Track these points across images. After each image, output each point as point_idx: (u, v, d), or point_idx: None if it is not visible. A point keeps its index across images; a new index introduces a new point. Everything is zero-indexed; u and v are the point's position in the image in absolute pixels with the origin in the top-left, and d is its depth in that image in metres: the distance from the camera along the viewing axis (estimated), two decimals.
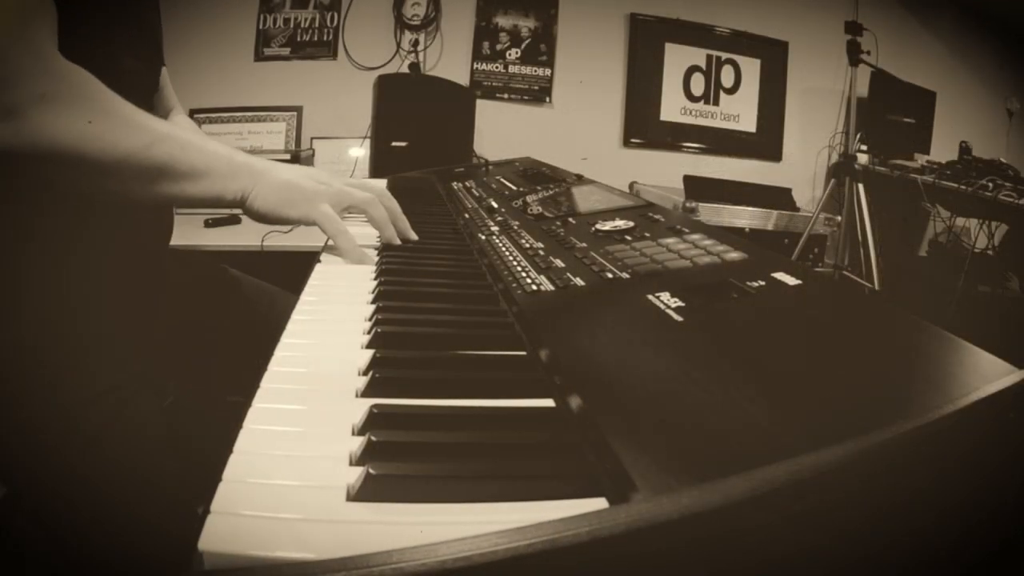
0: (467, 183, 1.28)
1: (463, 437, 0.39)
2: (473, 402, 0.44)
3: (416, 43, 3.11)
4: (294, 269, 0.78)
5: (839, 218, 2.89)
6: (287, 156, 2.83)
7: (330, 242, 0.76)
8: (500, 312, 0.61)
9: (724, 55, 3.48)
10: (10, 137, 0.55)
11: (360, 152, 2.90)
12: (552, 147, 2.65)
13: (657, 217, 0.83)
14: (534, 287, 0.62)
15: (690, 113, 3.47)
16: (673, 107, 3.45)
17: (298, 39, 3.10)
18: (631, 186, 3.13)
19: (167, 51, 0.90)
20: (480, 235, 0.86)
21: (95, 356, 0.67)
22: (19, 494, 0.58)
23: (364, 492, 0.33)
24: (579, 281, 0.62)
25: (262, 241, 2.00)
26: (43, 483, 0.60)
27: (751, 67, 3.51)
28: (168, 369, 0.79)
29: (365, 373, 0.47)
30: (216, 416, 0.72)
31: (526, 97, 3.27)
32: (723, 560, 0.28)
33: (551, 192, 1.07)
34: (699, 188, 2.87)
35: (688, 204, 2.70)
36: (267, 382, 0.45)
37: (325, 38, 3.12)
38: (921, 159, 3.07)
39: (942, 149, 3.16)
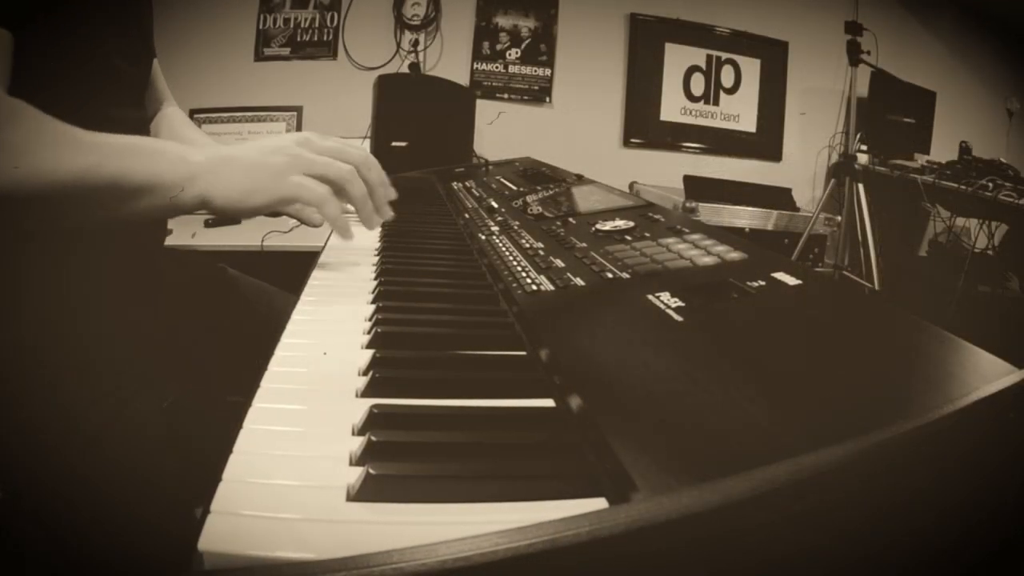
0: (467, 183, 1.28)
1: (463, 437, 0.39)
2: (473, 402, 0.44)
3: (416, 43, 3.11)
4: (294, 269, 0.78)
5: (839, 218, 2.89)
6: None
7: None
8: (500, 312, 0.61)
9: (724, 55, 3.48)
10: None
11: None
12: (552, 147, 2.65)
13: (657, 217, 0.83)
14: (534, 287, 0.62)
15: (690, 113, 3.47)
16: (673, 107, 3.45)
17: (298, 39, 3.10)
18: (631, 186, 3.13)
19: (167, 51, 0.90)
20: (480, 235, 0.86)
21: (95, 356, 0.67)
22: (19, 494, 0.58)
23: (364, 492, 0.33)
24: (579, 281, 0.62)
25: (262, 241, 2.00)
26: (43, 483, 0.60)
27: (751, 67, 3.51)
28: (168, 369, 0.79)
29: (365, 373, 0.47)
30: (216, 416, 0.72)
31: (526, 97, 3.27)
32: (723, 560, 0.28)
33: (551, 192, 1.07)
34: (699, 188, 2.87)
35: (688, 204, 2.70)
36: (267, 382, 0.45)
37: (325, 38, 3.12)
38: (921, 159, 3.07)
39: (942, 149, 3.16)
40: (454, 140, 2.66)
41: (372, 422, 0.39)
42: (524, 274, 0.67)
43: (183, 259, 0.94)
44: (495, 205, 1.03)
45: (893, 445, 0.31)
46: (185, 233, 1.97)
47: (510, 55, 3.24)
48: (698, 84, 3.46)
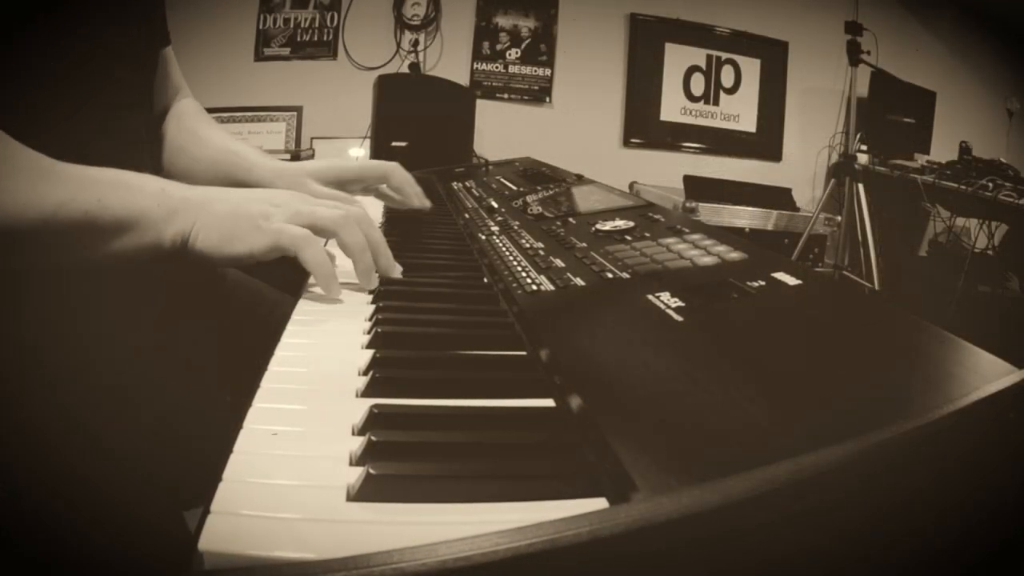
0: (467, 183, 1.28)
1: (463, 437, 0.39)
2: (473, 402, 0.44)
3: (416, 43, 3.11)
4: (294, 270, 0.78)
5: (839, 218, 2.90)
6: (287, 156, 2.84)
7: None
8: (500, 312, 0.61)
9: (724, 55, 3.48)
10: None
11: (360, 152, 2.90)
12: (552, 147, 2.65)
13: (657, 217, 0.83)
14: (534, 287, 0.62)
15: (690, 113, 3.47)
16: (673, 107, 3.45)
17: (298, 39, 3.11)
18: (631, 186, 3.14)
19: None
20: (480, 235, 0.86)
21: (95, 356, 0.67)
22: (19, 494, 0.58)
23: (364, 492, 0.33)
24: (579, 281, 0.62)
25: None
26: (43, 483, 0.60)
27: (751, 67, 3.51)
28: (168, 369, 0.79)
29: (365, 373, 0.47)
30: (216, 416, 0.72)
31: (526, 97, 3.27)
32: (723, 560, 0.28)
33: (551, 192, 1.07)
34: (699, 188, 2.87)
35: (688, 204, 2.71)
36: (267, 382, 0.45)
37: (325, 38, 3.12)
38: (921, 159, 3.08)
39: (942, 149, 3.16)
40: (454, 140, 2.66)
41: (372, 422, 0.39)
42: (524, 274, 0.67)
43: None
44: (495, 205, 1.03)
45: (893, 445, 0.31)
46: None
47: (510, 55, 3.25)
48: (698, 84, 3.47)
